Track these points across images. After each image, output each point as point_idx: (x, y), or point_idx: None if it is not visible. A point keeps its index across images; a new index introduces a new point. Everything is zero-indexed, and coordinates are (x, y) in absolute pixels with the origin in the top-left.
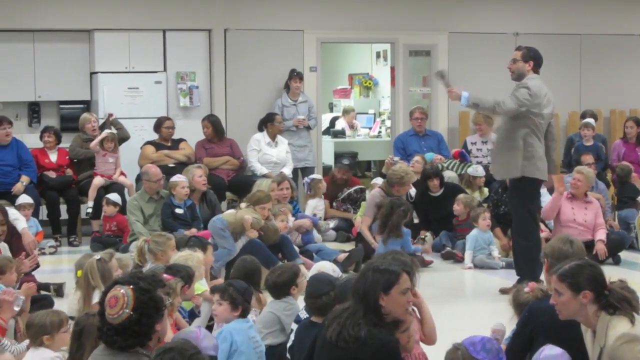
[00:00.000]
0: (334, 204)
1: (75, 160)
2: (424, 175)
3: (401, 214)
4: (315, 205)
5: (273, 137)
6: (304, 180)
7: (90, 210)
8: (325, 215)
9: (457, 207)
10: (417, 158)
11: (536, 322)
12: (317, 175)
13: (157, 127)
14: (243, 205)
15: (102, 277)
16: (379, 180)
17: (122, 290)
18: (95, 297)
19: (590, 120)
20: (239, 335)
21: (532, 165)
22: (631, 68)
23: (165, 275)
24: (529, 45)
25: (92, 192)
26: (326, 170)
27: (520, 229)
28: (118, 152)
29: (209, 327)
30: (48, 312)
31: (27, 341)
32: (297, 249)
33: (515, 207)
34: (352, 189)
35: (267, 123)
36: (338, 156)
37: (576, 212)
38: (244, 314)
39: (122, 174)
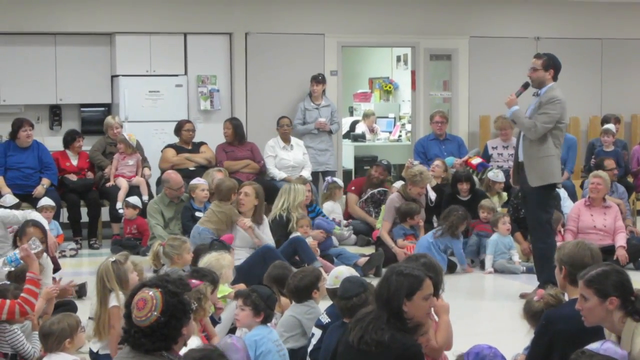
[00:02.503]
0: (358, 203)
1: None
2: (455, 178)
3: (460, 217)
4: (332, 209)
5: (287, 141)
6: (326, 178)
7: (121, 210)
8: (346, 213)
9: (483, 214)
10: (437, 162)
11: (554, 330)
12: (339, 181)
13: (178, 130)
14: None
15: (117, 279)
16: (398, 184)
17: (150, 293)
18: (112, 300)
19: (610, 126)
20: (265, 344)
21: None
22: None
23: (193, 281)
24: (547, 52)
25: (122, 194)
26: (346, 174)
27: (542, 233)
28: (137, 154)
29: (231, 331)
30: (61, 317)
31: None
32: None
33: (536, 212)
34: (375, 190)
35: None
36: (358, 160)
37: (595, 218)
38: (266, 320)
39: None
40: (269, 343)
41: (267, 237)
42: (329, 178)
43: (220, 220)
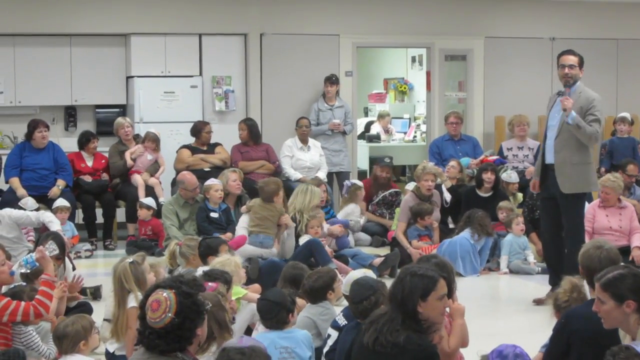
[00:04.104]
0: (370, 207)
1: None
2: (480, 169)
3: (482, 215)
4: (352, 211)
5: (304, 142)
6: (344, 183)
7: (144, 200)
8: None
9: (502, 215)
10: (452, 163)
11: (573, 329)
12: (358, 182)
13: (197, 132)
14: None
15: (135, 280)
16: (411, 185)
17: (164, 294)
18: (131, 301)
19: (626, 114)
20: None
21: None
22: None
23: (210, 284)
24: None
25: (141, 192)
26: (361, 175)
27: (581, 237)
28: (159, 152)
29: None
30: (75, 318)
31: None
32: (331, 252)
33: (575, 218)
34: (387, 192)
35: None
36: (373, 161)
37: (611, 219)
38: (278, 326)
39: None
40: (271, 348)
41: (291, 242)
42: (347, 182)
43: (267, 219)
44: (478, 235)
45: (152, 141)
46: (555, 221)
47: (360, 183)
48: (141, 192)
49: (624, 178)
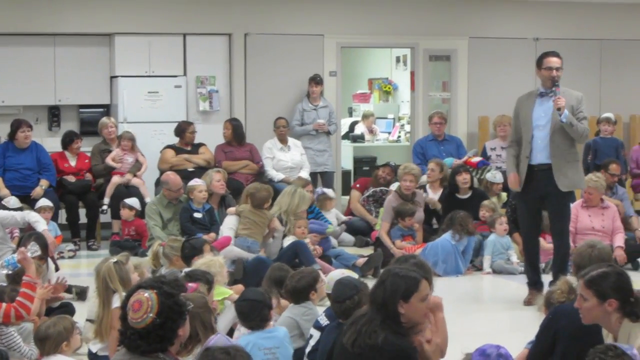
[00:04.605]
0: (360, 200)
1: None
2: (453, 172)
3: (464, 215)
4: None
5: (284, 142)
6: (316, 190)
7: (105, 207)
8: (347, 211)
9: (484, 214)
10: (431, 166)
11: (560, 325)
12: (330, 192)
13: (181, 132)
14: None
15: (120, 280)
16: (395, 185)
17: (146, 294)
18: (116, 301)
19: (610, 115)
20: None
21: None
22: None
23: (190, 284)
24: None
25: (109, 190)
26: (345, 175)
27: (568, 237)
28: (137, 152)
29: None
30: (56, 320)
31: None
32: (318, 254)
33: (565, 217)
34: (377, 188)
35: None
36: (357, 161)
37: (593, 220)
38: (258, 326)
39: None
40: (255, 350)
41: (277, 244)
42: (319, 189)
43: (257, 224)
44: (459, 235)
45: (128, 140)
46: (537, 221)
47: (332, 194)
48: (109, 190)
49: (607, 177)
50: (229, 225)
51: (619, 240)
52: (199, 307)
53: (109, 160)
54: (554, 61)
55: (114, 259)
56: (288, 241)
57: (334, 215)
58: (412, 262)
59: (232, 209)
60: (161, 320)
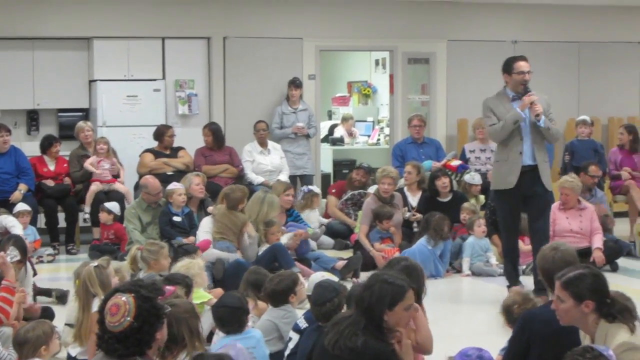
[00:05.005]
0: (338, 204)
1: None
2: (432, 177)
3: (439, 219)
4: (307, 218)
5: (264, 145)
6: (301, 188)
7: (87, 216)
8: (325, 215)
9: (465, 217)
10: (408, 168)
11: (533, 330)
12: (316, 189)
13: (160, 135)
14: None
15: (100, 284)
16: (374, 188)
17: (123, 298)
18: (95, 305)
19: (586, 117)
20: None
21: None
22: (629, 76)
23: (168, 287)
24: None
25: (88, 198)
26: (325, 178)
27: (549, 234)
28: (113, 157)
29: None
30: (35, 324)
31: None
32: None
33: (548, 217)
34: (355, 191)
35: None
36: (336, 164)
37: (571, 222)
38: (235, 332)
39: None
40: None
41: (253, 250)
42: (304, 188)
43: (230, 228)
44: (434, 240)
45: (104, 143)
46: (518, 222)
47: (317, 191)
48: (88, 199)
49: (587, 179)
50: (204, 228)
51: (598, 241)
52: (186, 312)
53: (87, 165)
54: (524, 65)
55: (95, 263)
56: (263, 249)
57: (318, 214)
58: (403, 265)
59: (210, 208)
60: (138, 323)
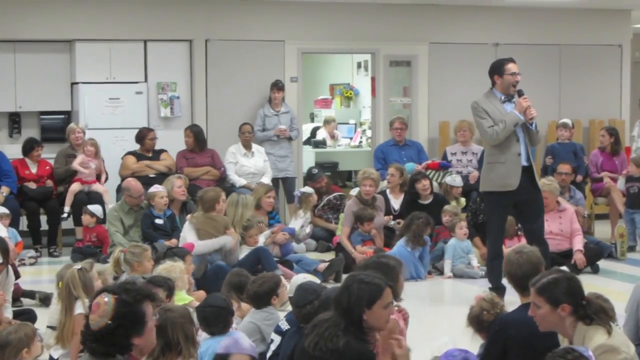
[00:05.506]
0: (315, 211)
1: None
2: (412, 180)
3: (422, 224)
4: (302, 218)
5: (248, 148)
6: (294, 193)
7: (65, 215)
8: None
9: (446, 218)
10: (391, 171)
11: (509, 334)
12: (309, 189)
13: (141, 138)
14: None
15: (83, 287)
16: (355, 191)
17: (105, 299)
18: (78, 308)
19: (567, 120)
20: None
21: None
22: (610, 78)
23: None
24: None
25: (69, 198)
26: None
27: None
28: (99, 158)
29: None
30: (17, 327)
31: None
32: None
33: (543, 217)
34: (331, 196)
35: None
36: (319, 166)
37: (551, 224)
38: (219, 332)
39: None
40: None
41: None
42: (297, 192)
43: (212, 235)
44: (412, 244)
45: (92, 145)
46: (505, 226)
47: (310, 190)
48: (68, 198)
49: (559, 178)
50: (187, 232)
51: (578, 243)
52: (181, 317)
53: (75, 165)
54: (514, 67)
55: (78, 266)
56: (244, 252)
57: (308, 214)
58: (379, 262)
59: (189, 216)
60: (114, 325)
